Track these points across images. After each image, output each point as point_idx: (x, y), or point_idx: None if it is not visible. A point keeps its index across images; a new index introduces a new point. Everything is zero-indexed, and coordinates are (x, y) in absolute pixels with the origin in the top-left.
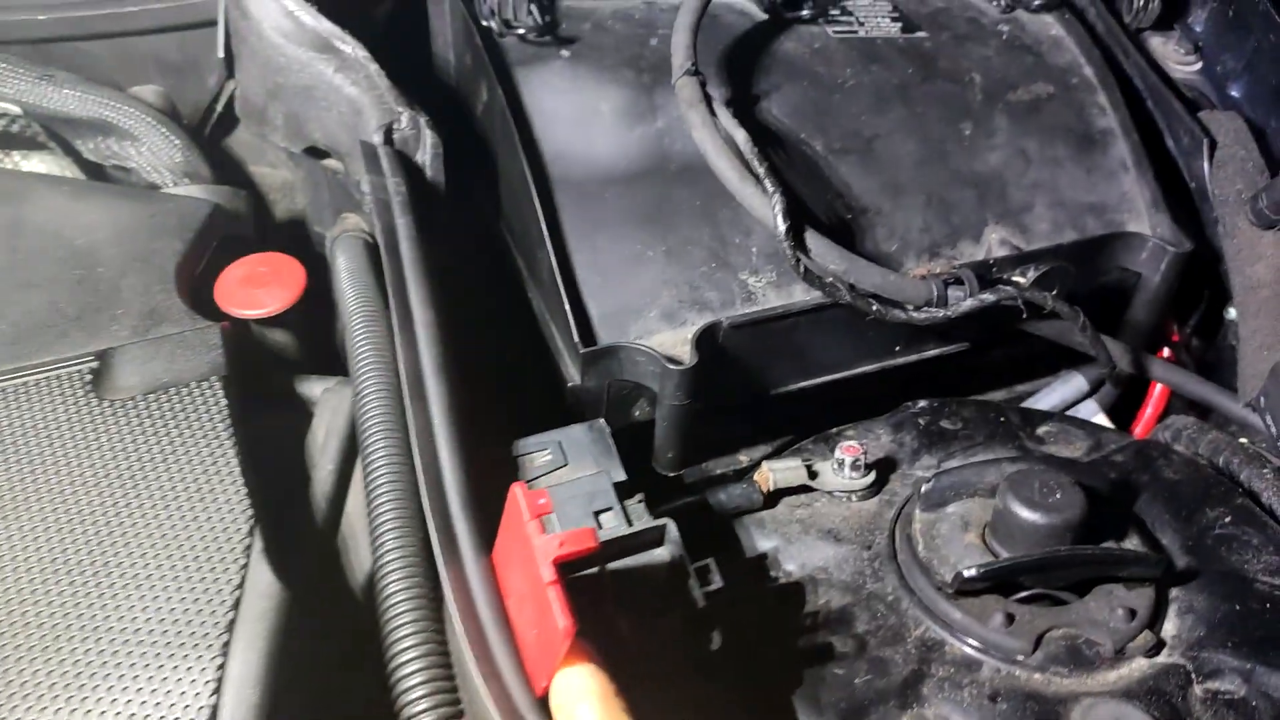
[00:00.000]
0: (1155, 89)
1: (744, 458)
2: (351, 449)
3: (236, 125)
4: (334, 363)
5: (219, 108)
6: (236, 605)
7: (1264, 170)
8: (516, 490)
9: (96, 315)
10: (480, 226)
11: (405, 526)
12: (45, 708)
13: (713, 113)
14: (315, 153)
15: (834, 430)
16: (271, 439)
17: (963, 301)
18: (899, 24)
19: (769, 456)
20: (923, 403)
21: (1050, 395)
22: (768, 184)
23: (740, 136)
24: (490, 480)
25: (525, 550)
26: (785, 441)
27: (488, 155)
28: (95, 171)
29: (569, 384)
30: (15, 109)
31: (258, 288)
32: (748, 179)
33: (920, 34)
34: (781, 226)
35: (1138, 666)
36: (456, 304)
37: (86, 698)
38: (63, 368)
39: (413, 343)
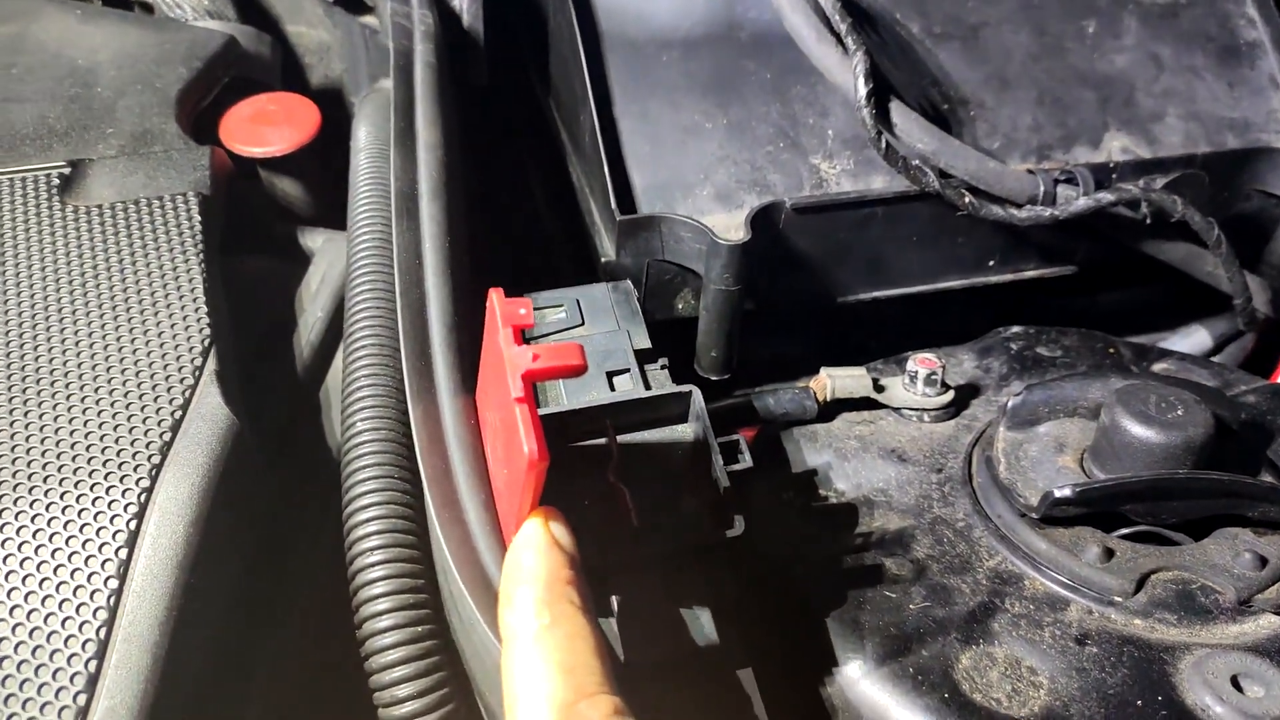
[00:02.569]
0: None
1: (802, 384)
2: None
3: None
4: (344, 222)
5: None
6: (176, 428)
7: None
8: (493, 295)
9: (84, 132)
10: (527, 99)
11: (380, 360)
12: None
13: None
14: (351, 6)
15: (907, 355)
16: (263, 282)
17: (1075, 201)
18: None
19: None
20: (1016, 328)
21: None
22: (849, 42)
23: None
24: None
25: (499, 367)
26: None
27: (538, 17)
28: (120, 7)
29: (603, 260)
30: None
31: (266, 125)
32: (827, 39)
33: None
34: (862, 90)
35: (1267, 623)
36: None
37: (8, 510)
38: (30, 171)
39: (411, 161)
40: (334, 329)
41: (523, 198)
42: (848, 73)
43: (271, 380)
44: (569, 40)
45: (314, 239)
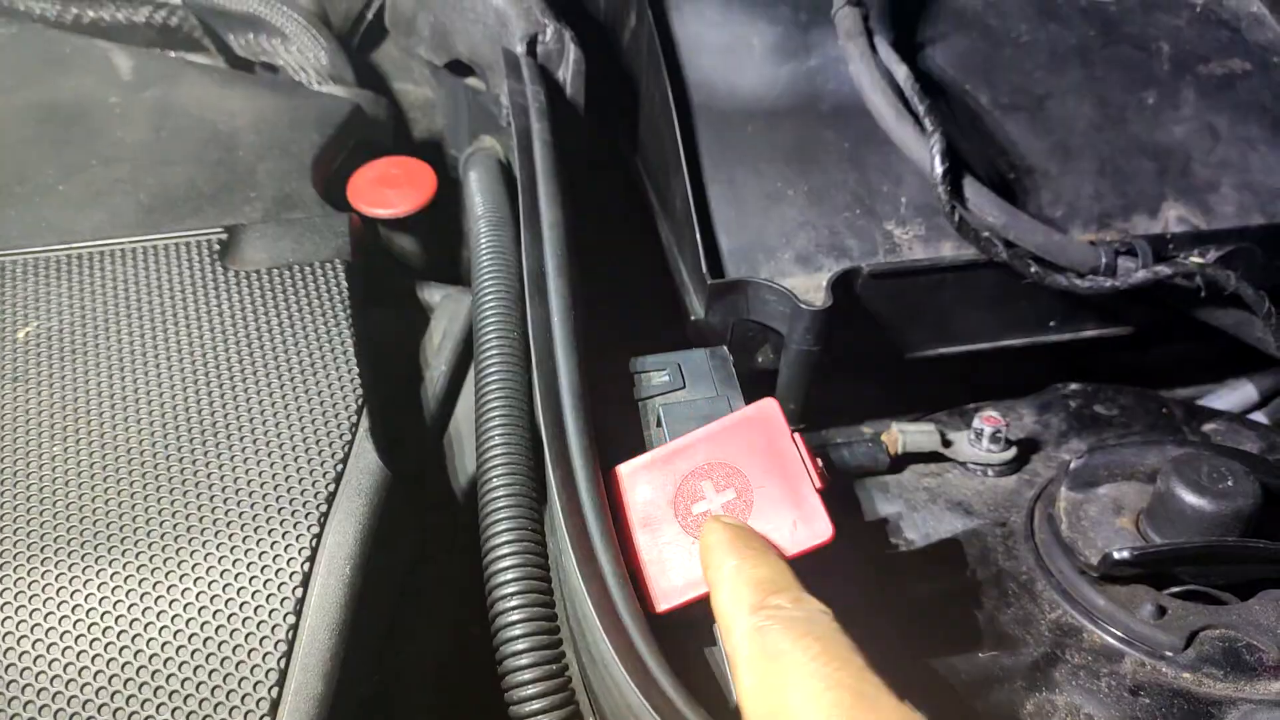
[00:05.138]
0: None
1: (867, 430)
2: (465, 355)
3: (382, 41)
4: (453, 276)
5: (369, 16)
6: (339, 479)
7: None
8: (772, 402)
9: (231, 195)
10: (614, 158)
11: (511, 423)
12: (154, 555)
13: (873, 47)
14: (457, 69)
15: (970, 406)
16: (388, 335)
17: (1135, 273)
18: None
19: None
20: (1074, 385)
21: (1214, 403)
22: (927, 123)
23: (901, 73)
24: (602, 392)
25: (770, 455)
26: (913, 417)
27: (628, 84)
28: (244, 69)
29: (692, 318)
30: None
31: (389, 188)
32: (905, 117)
33: None
34: (939, 168)
35: None
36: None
37: (196, 551)
38: (193, 236)
39: (538, 240)
40: (454, 381)
41: (606, 252)
42: (924, 150)
43: (404, 430)
44: (663, 111)
45: (432, 294)
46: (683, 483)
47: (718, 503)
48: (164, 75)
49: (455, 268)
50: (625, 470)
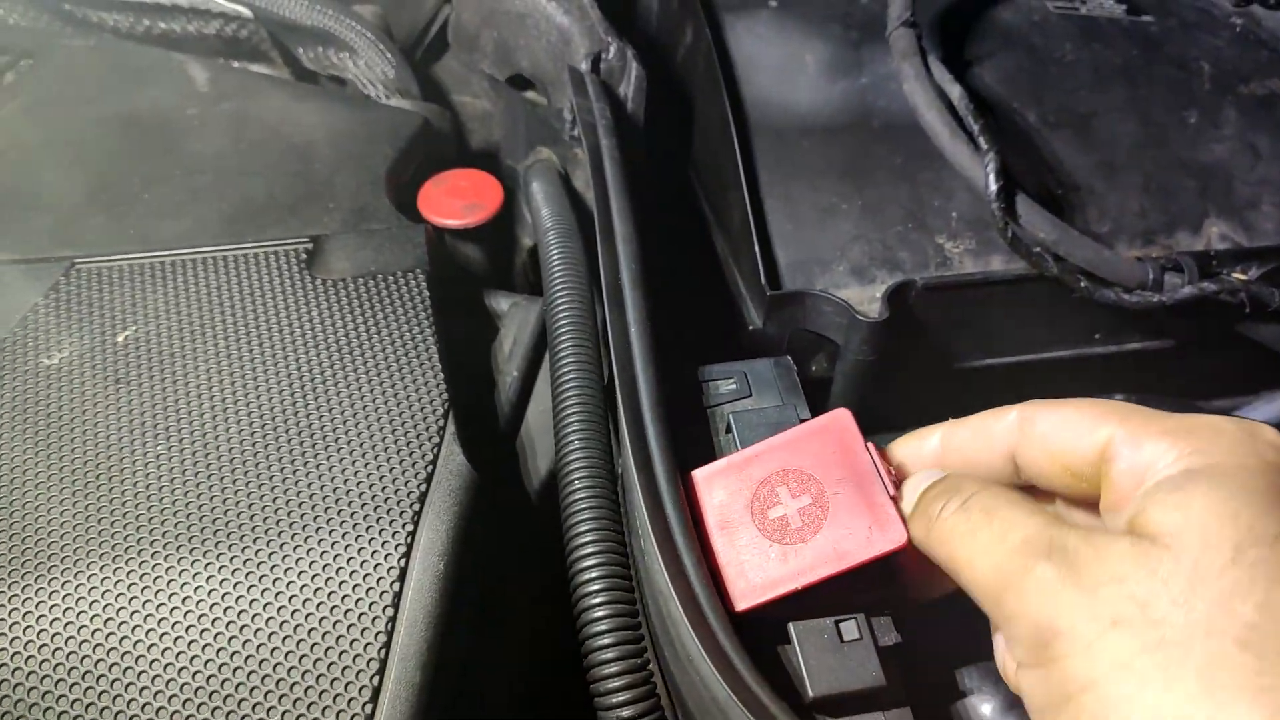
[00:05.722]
0: None
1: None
2: (535, 360)
3: (443, 54)
4: (508, 283)
5: (433, 30)
6: (429, 480)
7: None
8: (846, 413)
9: (310, 206)
10: (665, 169)
11: (590, 431)
12: (259, 550)
13: (927, 67)
14: (517, 83)
15: None
16: (462, 342)
17: (1181, 289)
18: (1123, 6)
19: None
20: (1118, 397)
21: (1250, 414)
22: (982, 141)
23: (955, 92)
24: (671, 398)
25: (845, 463)
26: None
27: (683, 98)
28: (310, 81)
29: (749, 327)
30: (247, 12)
31: (459, 200)
32: (959, 136)
33: (1146, 18)
34: (994, 186)
35: None
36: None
37: (299, 546)
38: (280, 245)
39: (613, 254)
40: (526, 387)
41: (660, 261)
42: (978, 168)
43: (482, 433)
44: (721, 128)
45: (500, 303)
46: (758, 488)
47: (794, 508)
48: (240, 88)
49: (510, 275)
50: (701, 475)
